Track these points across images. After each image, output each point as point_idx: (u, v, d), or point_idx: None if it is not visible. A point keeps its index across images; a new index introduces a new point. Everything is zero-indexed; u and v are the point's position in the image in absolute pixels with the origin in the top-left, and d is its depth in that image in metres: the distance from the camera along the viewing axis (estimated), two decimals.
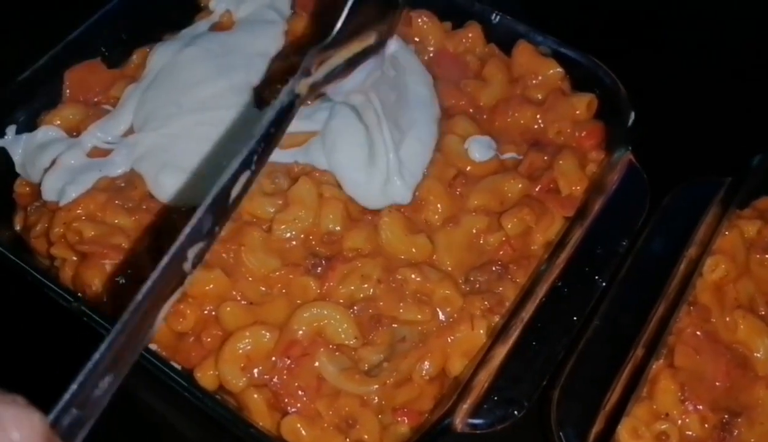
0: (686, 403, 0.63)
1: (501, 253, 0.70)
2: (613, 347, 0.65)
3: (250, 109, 0.76)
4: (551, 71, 0.79)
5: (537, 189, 0.73)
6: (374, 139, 0.71)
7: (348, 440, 0.63)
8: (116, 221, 0.71)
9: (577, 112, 0.77)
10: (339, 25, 0.61)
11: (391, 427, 0.64)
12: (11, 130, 0.77)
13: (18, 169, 0.77)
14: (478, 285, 0.69)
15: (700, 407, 0.63)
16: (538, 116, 0.77)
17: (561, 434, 0.61)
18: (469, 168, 0.74)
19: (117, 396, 0.70)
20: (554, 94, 0.78)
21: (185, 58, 0.79)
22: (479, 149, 0.75)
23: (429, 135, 0.75)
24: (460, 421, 0.61)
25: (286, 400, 0.63)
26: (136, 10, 0.84)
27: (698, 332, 0.66)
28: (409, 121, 0.74)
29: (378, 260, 0.68)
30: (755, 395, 0.64)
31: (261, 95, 0.78)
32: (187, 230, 0.46)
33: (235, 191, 0.49)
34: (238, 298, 0.67)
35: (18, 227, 0.75)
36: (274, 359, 0.64)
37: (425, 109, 0.76)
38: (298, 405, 0.63)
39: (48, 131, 0.78)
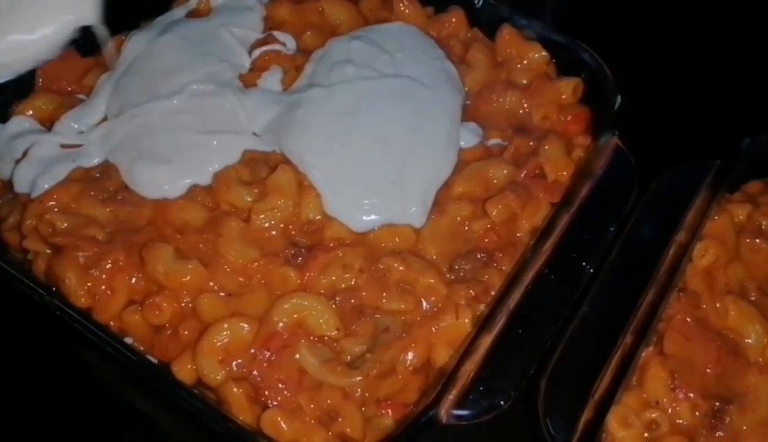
0: (677, 390, 0.61)
1: (486, 240, 0.69)
2: (602, 334, 0.63)
3: (227, 97, 0.74)
4: (536, 55, 0.78)
5: (523, 175, 0.71)
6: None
7: (330, 433, 0.61)
8: (90, 213, 0.69)
9: (563, 96, 0.76)
10: None
11: (374, 419, 0.62)
12: None
13: None
14: (462, 273, 0.67)
15: (691, 394, 0.61)
16: (523, 101, 0.76)
17: (548, 423, 0.59)
18: None
19: (93, 390, 0.69)
20: (539, 78, 0.77)
21: (161, 45, 0.77)
22: (465, 136, 0.74)
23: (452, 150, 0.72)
24: (445, 412, 0.59)
25: (267, 393, 0.62)
26: None
27: (688, 319, 0.65)
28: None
29: (360, 249, 0.67)
30: (747, 382, 0.62)
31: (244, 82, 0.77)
32: None
33: None
34: (216, 289, 0.66)
35: None
36: (253, 351, 0.62)
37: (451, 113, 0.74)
38: (279, 398, 0.61)
39: (20, 122, 0.76)
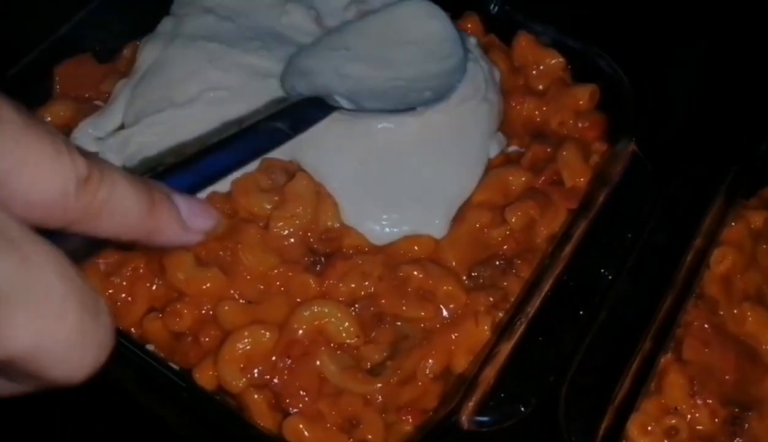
0: (696, 397, 0.62)
1: (505, 247, 0.69)
2: (621, 340, 0.63)
3: (243, 104, 0.74)
4: (553, 61, 0.78)
5: (540, 181, 0.71)
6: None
7: (351, 440, 0.61)
8: None
9: (580, 102, 0.76)
10: None
11: (395, 426, 0.62)
12: None
13: None
14: (482, 280, 0.67)
15: (710, 401, 0.62)
16: (542, 107, 0.76)
17: (569, 430, 0.59)
18: None
19: (113, 397, 0.69)
20: (556, 84, 0.77)
21: (176, 51, 0.77)
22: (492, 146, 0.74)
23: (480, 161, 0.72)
24: (466, 419, 0.60)
25: (288, 400, 0.62)
26: (128, 3, 0.82)
27: (706, 325, 0.65)
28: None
29: (379, 256, 0.67)
30: (766, 388, 0.63)
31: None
32: None
33: None
34: (236, 297, 0.66)
35: None
36: (274, 358, 0.62)
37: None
38: (300, 405, 0.62)
39: None
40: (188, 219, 0.34)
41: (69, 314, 0.27)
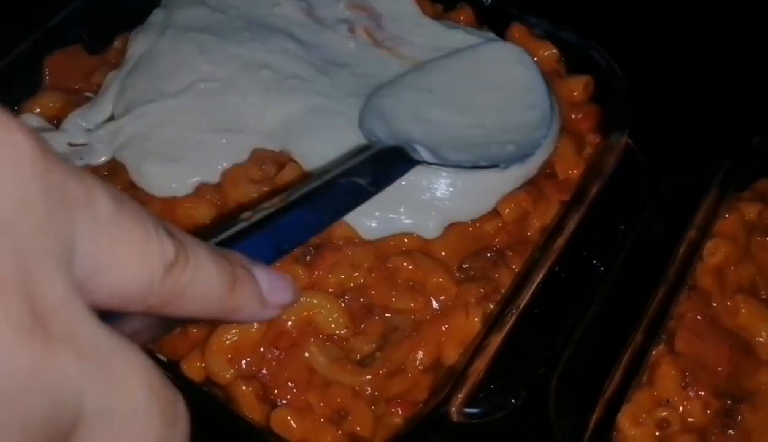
0: (688, 389, 0.61)
1: (497, 239, 0.68)
2: (612, 332, 0.63)
3: (234, 95, 0.73)
4: (546, 53, 0.78)
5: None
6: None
7: (340, 431, 0.61)
8: None
9: (574, 93, 0.75)
10: None
11: (384, 418, 0.62)
12: None
13: None
14: (473, 272, 0.67)
15: (702, 393, 0.61)
16: None
17: (559, 422, 0.59)
18: None
19: None
20: (550, 76, 0.76)
21: (167, 42, 0.77)
22: None
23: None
24: (455, 410, 0.59)
25: (276, 392, 0.61)
26: None
27: (699, 317, 0.64)
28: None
29: (369, 248, 0.66)
30: (758, 381, 0.62)
31: None
32: None
33: None
34: None
35: None
36: (262, 349, 0.62)
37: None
38: (288, 397, 0.61)
39: (28, 120, 0.75)
40: (268, 295, 0.32)
41: (150, 430, 0.26)
